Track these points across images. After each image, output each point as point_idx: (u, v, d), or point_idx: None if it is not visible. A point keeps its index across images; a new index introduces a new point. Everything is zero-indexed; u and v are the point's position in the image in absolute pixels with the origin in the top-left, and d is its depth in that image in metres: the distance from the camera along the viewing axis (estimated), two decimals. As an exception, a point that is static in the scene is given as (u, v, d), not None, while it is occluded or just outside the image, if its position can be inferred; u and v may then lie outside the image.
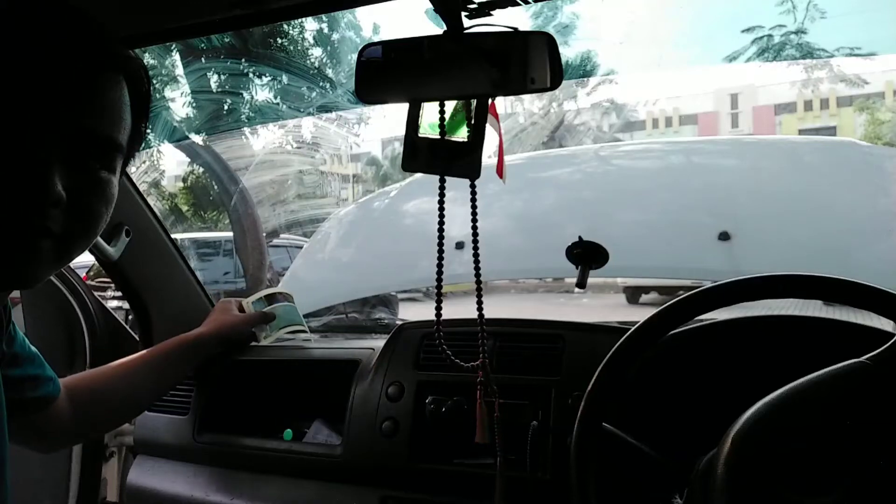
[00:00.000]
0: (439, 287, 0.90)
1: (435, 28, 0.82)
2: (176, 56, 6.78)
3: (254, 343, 1.37)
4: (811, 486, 0.67)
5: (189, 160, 9.22)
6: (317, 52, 7.29)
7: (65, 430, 0.98)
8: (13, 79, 0.52)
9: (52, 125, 0.54)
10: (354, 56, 0.85)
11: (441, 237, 0.89)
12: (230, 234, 7.36)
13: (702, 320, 0.92)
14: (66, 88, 0.55)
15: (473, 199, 0.89)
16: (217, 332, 1.25)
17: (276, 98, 7.27)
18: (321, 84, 7.30)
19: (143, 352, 1.15)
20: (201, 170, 9.53)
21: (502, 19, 0.80)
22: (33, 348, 0.89)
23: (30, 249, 0.56)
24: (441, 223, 0.89)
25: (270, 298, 1.39)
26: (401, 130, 0.87)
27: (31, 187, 0.53)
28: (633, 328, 0.83)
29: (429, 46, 0.82)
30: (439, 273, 0.90)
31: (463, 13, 0.79)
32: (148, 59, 6.45)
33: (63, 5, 0.57)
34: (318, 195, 11.85)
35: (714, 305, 0.80)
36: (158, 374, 1.13)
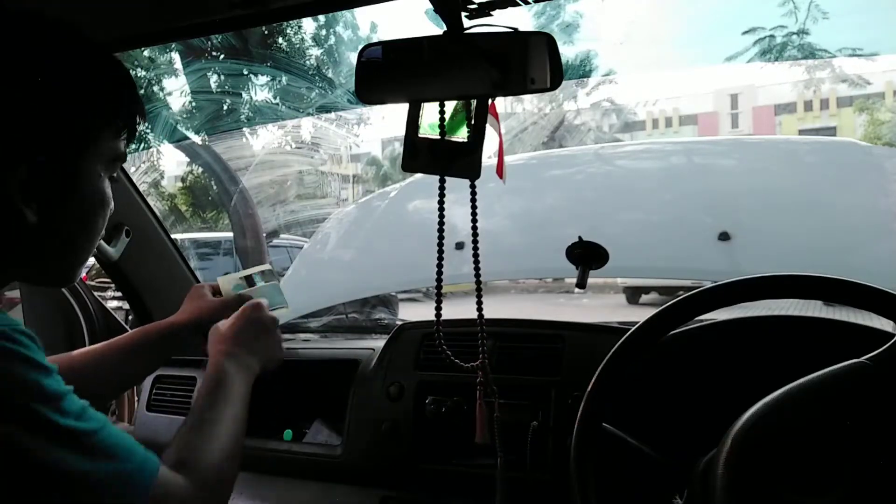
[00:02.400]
0: (439, 287, 0.91)
1: (435, 28, 0.82)
2: (176, 56, 6.78)
3: None
4: (811, 486, 0.67)
5: (189, 160, 9.23)
6: (316, 52, 7.30)
7: None
8: (72, 113, 0.63)
9: (95, 145, 0.66)
10: (354, 56, 0.85)
11: (441, 237, 0.89)
12: (230, 234, 7.36)
13: (702, 320, 0.92)
14: (106, 118, 0.66)
15: (473, 200, 0.89)
16: (192, 321, 1.07)
17: (275, 98, 7.27)
18: (321, 84, 7.30)
19: (108, 341, 1.00)
20: (201, 170, 9.54)
21: (502, 19, 0.80)
22: None
23: None
24: (441, 223, 0.89)
25: (248, 279, 1.21)
26: (401, 130, 0.87)
27: None
28: (633, 328, 0.83)
29: (429, 47, 0.82)
30: (439, 273, 0.90)
31: (463, 13, 0.79)
32: (148, 58, 6.45)
33: (102, 54, 0.67)
34: (317, 195, 11.85)
35: (714, 306, 0.80)
36: (123, 365, 1.00)
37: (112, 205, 0.71)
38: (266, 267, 1.22)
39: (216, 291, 1.15)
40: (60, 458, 0.53)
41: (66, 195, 0.64)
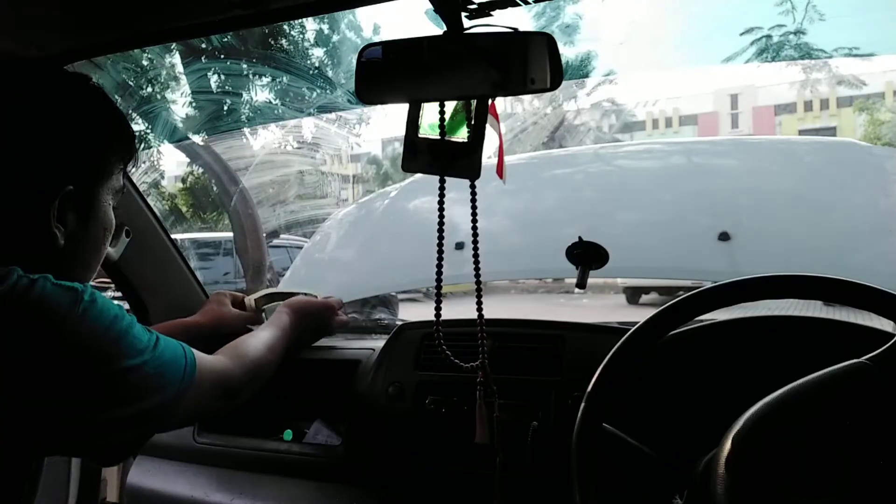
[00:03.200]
0: (439, 287, 0.91)
1: (435, 28, 0.82)
2: (176, 56, 6.78)
3: None
4: (811, 486, 0.67)
5: (189, 160, 9.21)
6: (317, 52, 7.29)
7: None
8: (95, 153, 0.79)
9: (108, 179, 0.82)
10: (354, 56, 0.86)
11: (441, 237, 0.89)
12: (230, 234, 7.35)
13: (702, 321, 0.92)
14: (117, 156, 0.82)
15: (473, 200, 0.89)
16: (211, 324, 1.23)
17: (276, 98, 7.27)
18: (321, 84, 7.30)
19: None
20: (201, 170, 9.53)
21: (502, 20, 0.80)
22: None
23: None
24: (441, 223, 0.89)
25: (274, 297, 1.35)
26: (401, 130, 0.87)
27: None
28: (633, 329, 0.83)
29: (429, 47, 0.82)
30: (439, 273, 0.90)
31: (463, 14, 0.79)
32: (148, 58, 6.45)
33: (115, 106, 0.83)
34: (318, 195, 11.83)
35: (714, 306, 0.80)
36: None
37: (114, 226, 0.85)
38: (296, 291, 1.29)
39: (235, 301, 1.30)
40: (140, 361, 0.73)
41: (86, 221, 0.79)
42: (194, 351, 0.83)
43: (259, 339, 1.04)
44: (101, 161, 0.80)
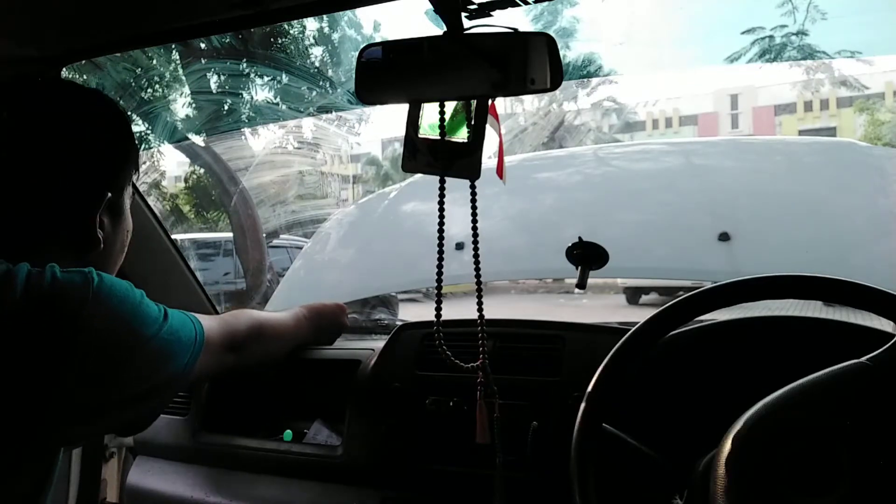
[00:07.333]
0: (439, 288, 0.91)
1: (435, 28, 0.82)
2: (176, 56, 6.78)
3: None
4: (811, 486, 0.67)
5: (189, 161, 9.21)
6: (317, 52, 7.30)
7: None
8: (128, 163, 0.88)
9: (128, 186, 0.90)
10: (354, 56, 0.86)
11: (441, 238, 0.89)
12: (230, 234, 7.35)
13: (702, 321, 0.92)
14: (135, 166, 0.91)
15: (473, 200, 0.89)
16: None
17: (276, 98, 7.27)
18: (321, 84, 7.30)
19: None
20: (201, 170, 9.53)
21: (502, 20, 0.81)
22: None
23: None
24: (441, 224, 0.89)
25: None
26: (401, 131, 0.87)
27: None
28: (633, 329, 0.83)
29: (429, 47, 0.82)
30: (439, 274, 0.90)
31: (463, 14, 0.79)
32: (148, 58, 6.45)
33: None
34: (318, 196, 11.83)
35: (714, 306, 0.80)
36: None
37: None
38: None
39: None
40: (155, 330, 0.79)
41: (116, 224, 0.86)
42: (198, 315, 0.90)
43: (265, 313, 1.16)
44: (127, 170, 0.88)
